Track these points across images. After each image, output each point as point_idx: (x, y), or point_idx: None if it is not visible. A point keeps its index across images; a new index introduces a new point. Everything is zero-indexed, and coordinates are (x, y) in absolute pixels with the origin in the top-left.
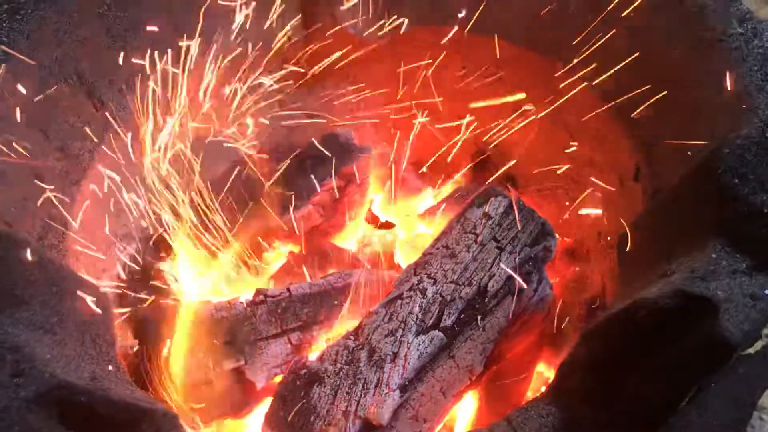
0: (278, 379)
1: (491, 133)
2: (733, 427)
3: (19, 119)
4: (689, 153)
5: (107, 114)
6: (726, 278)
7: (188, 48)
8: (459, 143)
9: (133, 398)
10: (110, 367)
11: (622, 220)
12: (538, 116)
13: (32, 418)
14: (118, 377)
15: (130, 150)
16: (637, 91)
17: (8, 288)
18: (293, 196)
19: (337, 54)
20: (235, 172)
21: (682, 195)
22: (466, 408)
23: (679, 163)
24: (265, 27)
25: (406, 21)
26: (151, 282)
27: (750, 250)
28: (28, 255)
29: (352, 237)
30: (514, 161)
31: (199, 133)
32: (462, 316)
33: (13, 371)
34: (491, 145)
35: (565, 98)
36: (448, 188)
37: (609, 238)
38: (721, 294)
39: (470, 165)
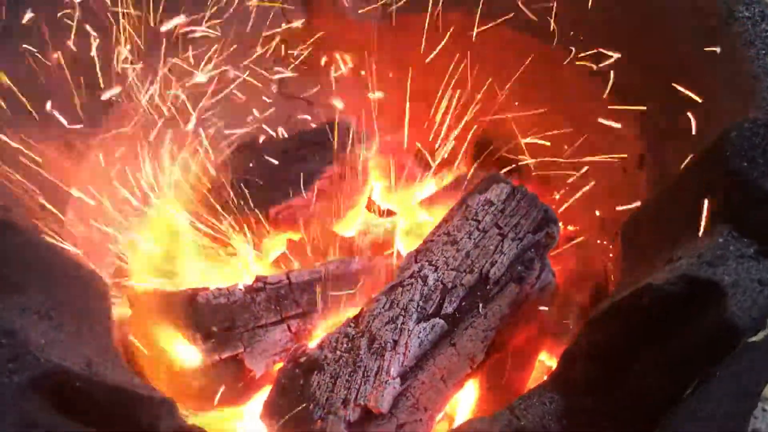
0: (277, 366)
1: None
2: (737, 416)
3: (19, 105)
4: (695, 137)
5: (105, 98)
6: (733, 263)
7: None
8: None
9: (130, 385)
10: (107, 354)
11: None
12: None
13: (27, 403)
14: (115, 364)
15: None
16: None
17: (5, 273)
18: (293, 183)
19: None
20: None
21: (689, 180)
22: (468, 396)
23: (685, 149)
24: (266, 12)
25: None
26: (149, 268)
27: (758, 234)
28: (26, 240)
29: (352, 224)
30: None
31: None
32: (463, 303)
33: (7, 356)
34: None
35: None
36: (449, 175)
37: (613, 224)
38: (728, 279)
39: (472, 152)
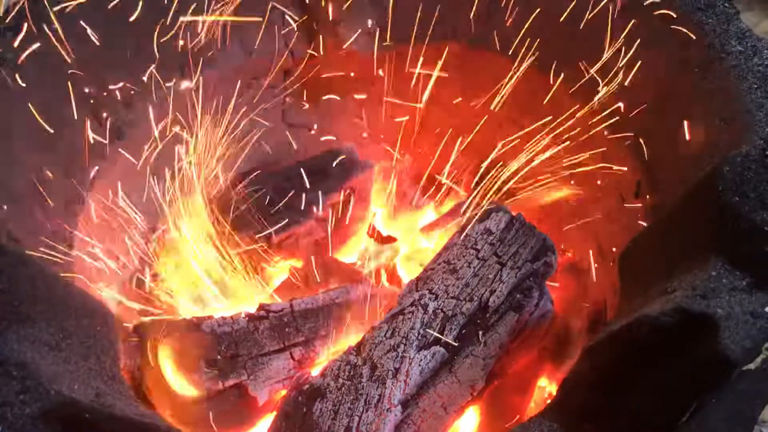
0: (280, 394)
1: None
2: None
3: (26, 136)
4: (690, 171)
5: (111, 128)
6: (726, 296)
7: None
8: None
9: (137, 415)
10: (113, 383)
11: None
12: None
13: None
14: (122, 394)
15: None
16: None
17: (14, 304)
18: (295, 211)
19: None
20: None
21: (683, 212)
22: (468, 423)
23: (680, 180)
24: (269, 43)
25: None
26: (154, 297)
27: (750, 267)
28: (35, 272)
29: (354, 252)
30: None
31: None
32: (463, 331)
33: (19, 388)
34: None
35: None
36: (449, 203)
37: (611, 252)
38: (721, 312)
39: (472, 179)
